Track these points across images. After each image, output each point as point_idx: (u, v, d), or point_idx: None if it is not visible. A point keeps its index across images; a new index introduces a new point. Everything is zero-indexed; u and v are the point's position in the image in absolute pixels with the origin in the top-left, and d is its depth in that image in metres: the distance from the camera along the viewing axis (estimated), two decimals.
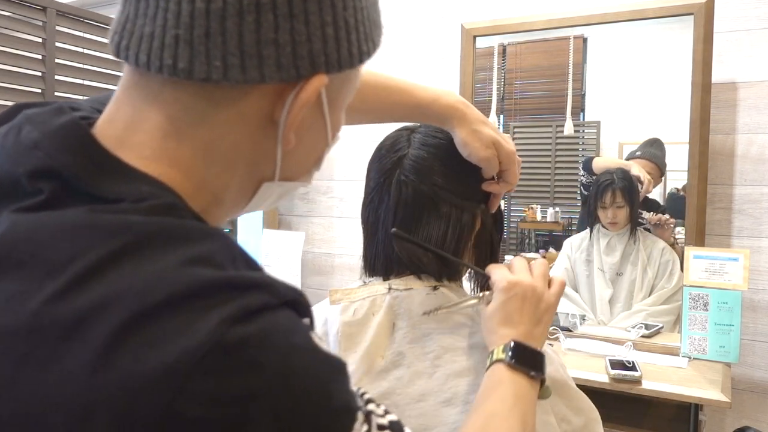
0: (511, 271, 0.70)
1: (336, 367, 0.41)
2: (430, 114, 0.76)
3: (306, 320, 0.43)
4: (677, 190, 1.84)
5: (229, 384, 0.35)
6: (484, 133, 0.73)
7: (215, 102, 0.43)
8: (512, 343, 0.64)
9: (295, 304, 0.42)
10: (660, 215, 1.84)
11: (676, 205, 1.85)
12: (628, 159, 1.95)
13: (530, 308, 0.67)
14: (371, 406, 0.44)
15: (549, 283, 0.71)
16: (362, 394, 0.45)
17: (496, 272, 0.70)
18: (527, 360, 0.64)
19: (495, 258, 0.80)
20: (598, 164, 1.95)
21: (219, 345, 0.35)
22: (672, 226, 1.83)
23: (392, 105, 0.77)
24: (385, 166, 0.77)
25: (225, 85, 0.42)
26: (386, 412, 0.46)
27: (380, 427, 0.43)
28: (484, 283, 0.75)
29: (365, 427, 0.41)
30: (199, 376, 0.34)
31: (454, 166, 0.75)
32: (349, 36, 0.44)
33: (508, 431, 0.58)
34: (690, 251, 1.56)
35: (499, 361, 0.64)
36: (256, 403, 0.36)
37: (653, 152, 1.91)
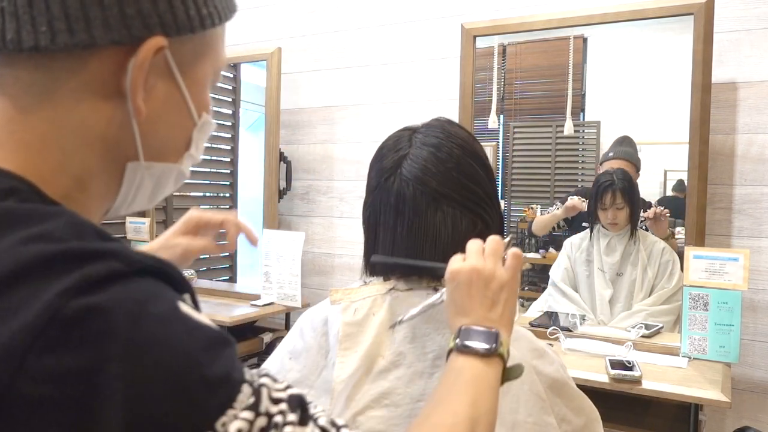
0: (464, 257, 0.66)
1: (211, 338, 0.39)
2: None
3: (186, 295, 0.42)
4: (663, 212, 1.86)
5: (72, 358, 0.34)
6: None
7: (54, 76, 0.42)
8: (460, 329, 0.62)
9: (157, 272, 0.40)
10: (656, 208, 1.85)
11: (674, 205, 1.85)
12: (602, 162, 1.96)
13: (478, 292, 0.63)
14: (266, 380, 0.43)
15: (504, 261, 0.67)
16: (260, 371, 0.44)
17: (450, 264, 0.66)
18: (476, 340, 0.60)
19: None
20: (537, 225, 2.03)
21: (57, 318, 0.34)
22: (668, 216, 1.83)
23: None
24: (385, 166, 0.77)
25: (58, 53, 0.41)
26: (288, 387, 0.44)
27: (275, 400, 0.42)
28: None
29: (252, 399, 0.40)
30: (38, 353, 0.33)
31: (454, 166, 0.75)
32: None
33: (453, 416, 0.54)
34: (690, 251, 1.56)
35: (450, 350, 0.61)
36: (103, 377, 0.34)
37: (626, 150, 1.93)
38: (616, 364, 1.44)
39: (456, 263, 0.65)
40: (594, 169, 2.01)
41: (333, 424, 0.45)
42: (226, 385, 0.39)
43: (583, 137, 2.05)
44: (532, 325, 1.78)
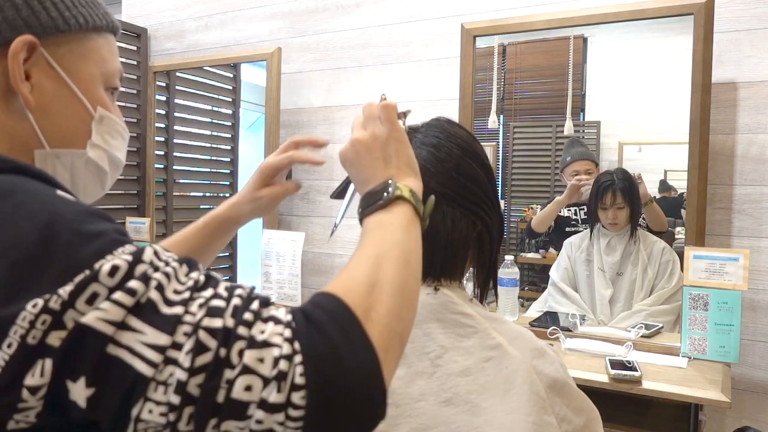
0: None
1: (90, 210, 0.46)
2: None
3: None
4: (638, 175, 1.85)
5: None
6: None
7: None
8: (362, 196, 0.61)
9: (28, 171, 0.49)
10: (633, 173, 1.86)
11: (663, 205, 1.86)
12: (563, 168, 1.97)
13: (367, 158, 0.62)
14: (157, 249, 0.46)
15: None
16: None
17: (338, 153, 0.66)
18: (375, 195, 0.59)
19: (495, 258, 0.80)
20: (537, 219, 2.03)
21: None
22: (642, 180, 1.85)
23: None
24: None
25: None
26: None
27: (160, 257, 0.45)
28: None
29: (132, 248, 0.44)
30: None
31: (454, 166, 0.75)
32: (43, 5, 0.56)
33: (357, 259, 0.53)
34: (690, 251, 1.56)
35: (360, 220, 0.60)
36: None
37: (581, 150, 1.96)
38: (616, 364, 1.44)
39: (341, 148, 0.65)
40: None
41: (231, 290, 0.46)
42: (103, 239, 0.44)
43: (583, 137, 2.05)
44: (532, 325, 1.78)
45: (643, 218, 1.88)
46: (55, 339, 0.40)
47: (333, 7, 2.27)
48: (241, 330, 0.42)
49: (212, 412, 0.41)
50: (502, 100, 2.13)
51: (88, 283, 0.41)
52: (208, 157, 2.63)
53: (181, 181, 2.59)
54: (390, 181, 0.59)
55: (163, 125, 2.48)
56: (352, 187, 0.69)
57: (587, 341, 1.63)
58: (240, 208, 0.85)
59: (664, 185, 1.88)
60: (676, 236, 1.84)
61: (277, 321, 0.44)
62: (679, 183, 1.82)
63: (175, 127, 2.49)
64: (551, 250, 2.06)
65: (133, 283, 0.42)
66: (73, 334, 0.40)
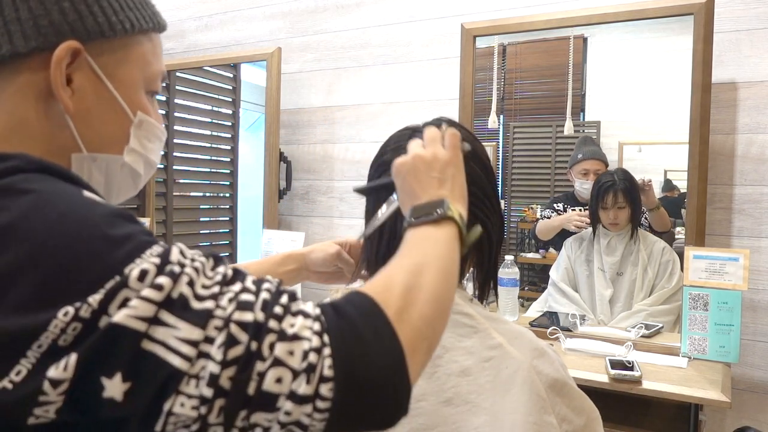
0: None
1: (115, 211, 0.46)
2: None
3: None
4: (647, 181, 1.85)
5: None
6: None
7: (1, 82, 0.53)
8: (411, 208, 0.62)
9: (55, 171, 0.49)
10: (642, 179, 1.85)
11: (666, 204, 1.86)
12: (572, 165, 1.97)
13: (424, 175, 0.64)
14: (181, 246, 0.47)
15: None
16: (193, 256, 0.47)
17: (393, 163, 0.67)
18: (426, 209, 0.61)
19: (495, 258, 0.80)
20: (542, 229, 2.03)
21: None
22: (652, 186, 1.85)
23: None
24: (384, 164, 0.77)
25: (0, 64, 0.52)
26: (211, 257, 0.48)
27: (186, 254, 0.46)
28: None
29: (161, 250, 0.44)
30: None
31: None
32: (90, 9, 0.55)
33: (398, 264, 0.54)
34: (690, 251, 1.56)
35: (405, 229, 0.61)
36: (8, 236, 0.42)
37: (593, 150, 1.95)
38: (616, 364, 1.44)
39: (398, 159, 0.66)
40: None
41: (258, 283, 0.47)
42: (131, 242, 0.44)
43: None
44: (532, 325, 1.78)
45: (646, 218, 1.88)
46: (84, 340, 0.41)
47: (333, 7, 2.27)
48: (272, 323, 0.43)
49: (243, 404, 0.41)
50: (502, 100, 2.13)
51: (118, 289, 0.41)
52: (208, 157, 2.63)
53: (181, 181, 2.59)
54: (445, 201, 0.61)
55: (163, 125, 2.48)
56: (394, 200, 0.69)
57: (587, 341, 1.63)
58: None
59: (668, 185, 1.87)
60: (676, 236, 1.84)
61: (306, 315, 0.45)
62: (679, 183, 1.82)
63: (175, 127, 2.49)
64: (551, 250, 2.06)
65: (161, 279, 0.42)
66: (106, 333, 0.40)
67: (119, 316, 0.40)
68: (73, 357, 0.40)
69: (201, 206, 2.68)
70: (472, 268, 0.81)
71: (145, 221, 2.35)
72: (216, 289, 0.44)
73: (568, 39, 1.98)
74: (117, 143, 0.59)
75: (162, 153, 2.77)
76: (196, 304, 0.43)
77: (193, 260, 0.45)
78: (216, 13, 2.52)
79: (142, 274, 0.42)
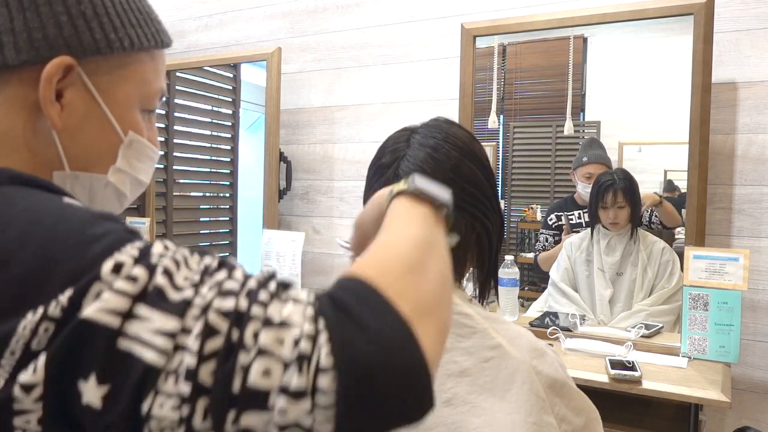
0: None
1: (96, 213, 0.45)
2: None
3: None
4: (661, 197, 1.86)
5: None
6: None
7: None
8: (410, 176, 0.53)
9: (32, 182, 0.48)
10: (658, 196, 1.86)
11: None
12: (576, 167, 1.96)
13: (384, 194, 0.56)
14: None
15: None
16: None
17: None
18: (433, 188, 0.52)
19: (495, 259, 0.80)
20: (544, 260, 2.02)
21: None
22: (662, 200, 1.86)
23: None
24: (383, 166, 0.76)
25: None
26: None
27: (167, 247, 0.43)
28: None
29: (141, 244, 0.42)
30: None
31: (451, 167, 0.75)
32: (88, 24, 0.53)
33: (403, 235, 0.46)
34: (690, 251, 1.56)
35: (400, 193, 0.52)
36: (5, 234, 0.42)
37: (599, 153, 1.94)
38: (616, 364, 1.44)
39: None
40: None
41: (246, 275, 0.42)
42: (109, 237, 0.42)
43: (583, 137, 2.05)
44: (532, 325, 1.78)
45: (656, 216, 1.88)
46: (55, 340, 0.38)
47: (333, 7, 2.27)
48: (256, 310, 0.38)
49: (229, 403, 0.36)
50: (502, 100, 2.13)
51: (90, 283, 0.38)
52: (208, 157, 2.64)
53: (181, 181, 2.59)
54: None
55: (163, 125, 2.48)
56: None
57: (587, 341, 1.63)
58: None
59: (670, 185, 1.87)
60: (676, 236, 1.84)
61: (297, 301, 0.39)
62: (680, 183, 1.82)
63: (175, 127, 2.49)
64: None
65: (136, 271, 0.39)
66: (74, 330, 0.37)
67: (88, 311, 0.37)
68: (41, 358, 0.38)
69: (201, 206, 2.68)
70: (472, 268, 0.81)
71: (145, 221, 2.35)
72: (197, 277, 0.40)
73: (568, 39, 1.98)
74: (104, 162, 0.57)
75: (162, 153, 2.75)
76: (173, 294, 0.39)
77: (175, 252, 0.42)
78: (216, 13, 2.52)
79: (117, 267, 0.39)
